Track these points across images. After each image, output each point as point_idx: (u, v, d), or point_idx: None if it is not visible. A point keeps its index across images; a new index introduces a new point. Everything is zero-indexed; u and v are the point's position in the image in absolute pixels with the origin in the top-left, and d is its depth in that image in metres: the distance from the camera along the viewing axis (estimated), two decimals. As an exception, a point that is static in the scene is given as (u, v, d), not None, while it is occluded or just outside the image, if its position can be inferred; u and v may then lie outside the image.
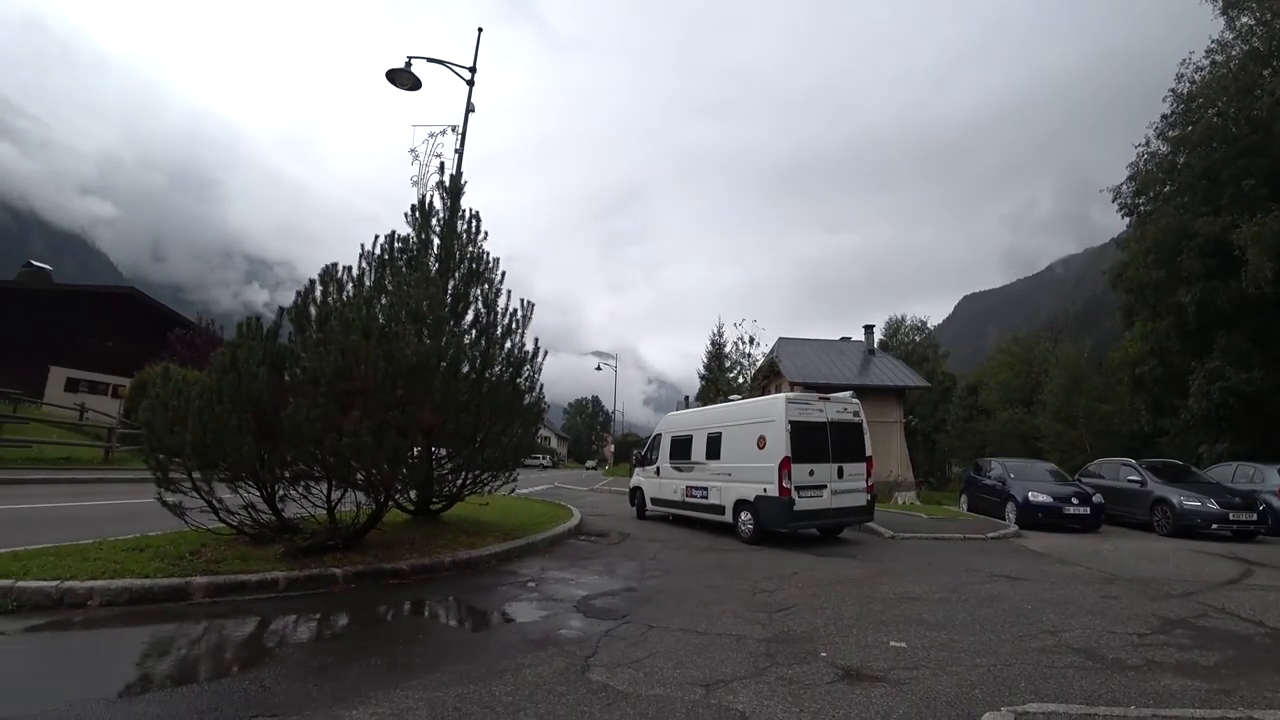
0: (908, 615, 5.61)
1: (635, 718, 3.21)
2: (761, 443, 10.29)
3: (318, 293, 7.44)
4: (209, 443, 6.30)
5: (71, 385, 31.67)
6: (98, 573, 5.43)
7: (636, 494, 14.28)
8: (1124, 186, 26.55)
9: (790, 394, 10.78)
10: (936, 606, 5.99)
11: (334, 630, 4.86)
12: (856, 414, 10.96)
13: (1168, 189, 24.98)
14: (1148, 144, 25.57)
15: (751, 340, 28.01)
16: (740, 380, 28.21)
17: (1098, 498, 13.51)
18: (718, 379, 29.60)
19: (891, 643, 4.73)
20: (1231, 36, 23.37)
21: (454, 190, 9.81)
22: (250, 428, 6.32)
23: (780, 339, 35.39)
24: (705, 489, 11.65)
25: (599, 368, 47.02)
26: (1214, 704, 3.63)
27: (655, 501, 13.50)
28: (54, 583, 5.12)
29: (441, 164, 10.53)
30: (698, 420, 12.83)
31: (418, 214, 9.38)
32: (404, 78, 11.36)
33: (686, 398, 43.56)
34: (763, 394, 28.08)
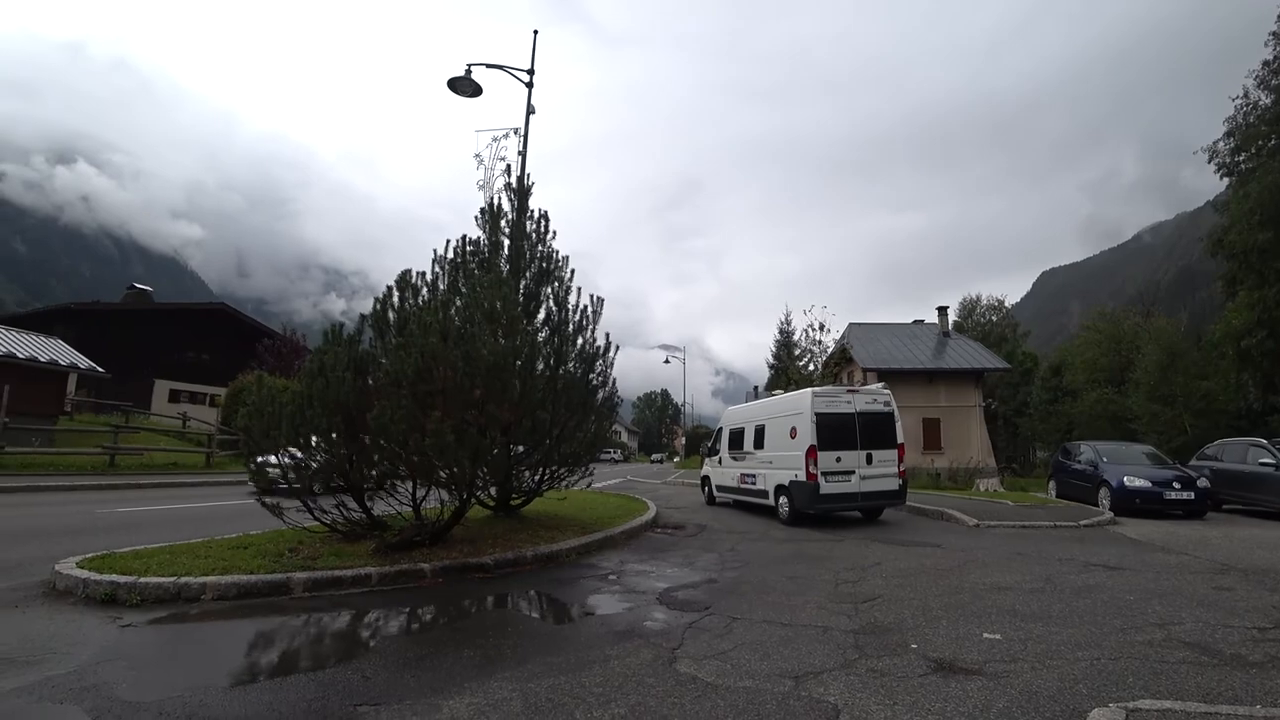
0: (999, 606, 5.40)
1: (726, 709, 3.21)
2: (793, 433, 11.36)
3: (395, 298, 7.74)
4: (303, 445, 6.67)
5: (174, 396, 34.04)
6: (209, 569, 5.82)
7: (706, 482, 15.70)
8: (1221, 144, 24.72)
9: (817, 388, 11.73)
10: (1030, 597, 5.74)
11: (425, 623, 5.05)
12: (887, 404, 11.64)
13: (1273, 143, 23.07)
14: (1246, 95, 23.72)
15: (822, 327, 27.53)
16: (811, 368, 27.72)
17: (1203, 481, 12.63)
18: (788, 367, 29.21)
19: (985, 635, 4.56)
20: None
21: (521, 192, 10.00)
22: (339, 428, 6.65)
23: (851, 324, 34.59)
24: (754, 475, 12.80)
25: (667, 360, 47.10)
26: (1353, 701, 3.34)
27: (720, 489, 14.74)
28: (171, 579, 5.52)
29: (508, 166, 10.75)
30: (748, 414, 14.00)
31: (487, 217, 9.61)
32: (465, 85, 11.65)
33: (756, 388, 43.11)
34: (835, 381, 27.60)
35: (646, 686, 3.51)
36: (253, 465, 6.85)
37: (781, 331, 35.87)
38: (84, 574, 5.59)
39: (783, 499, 11.50)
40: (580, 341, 9.04)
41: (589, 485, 10.35)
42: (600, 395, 9.18)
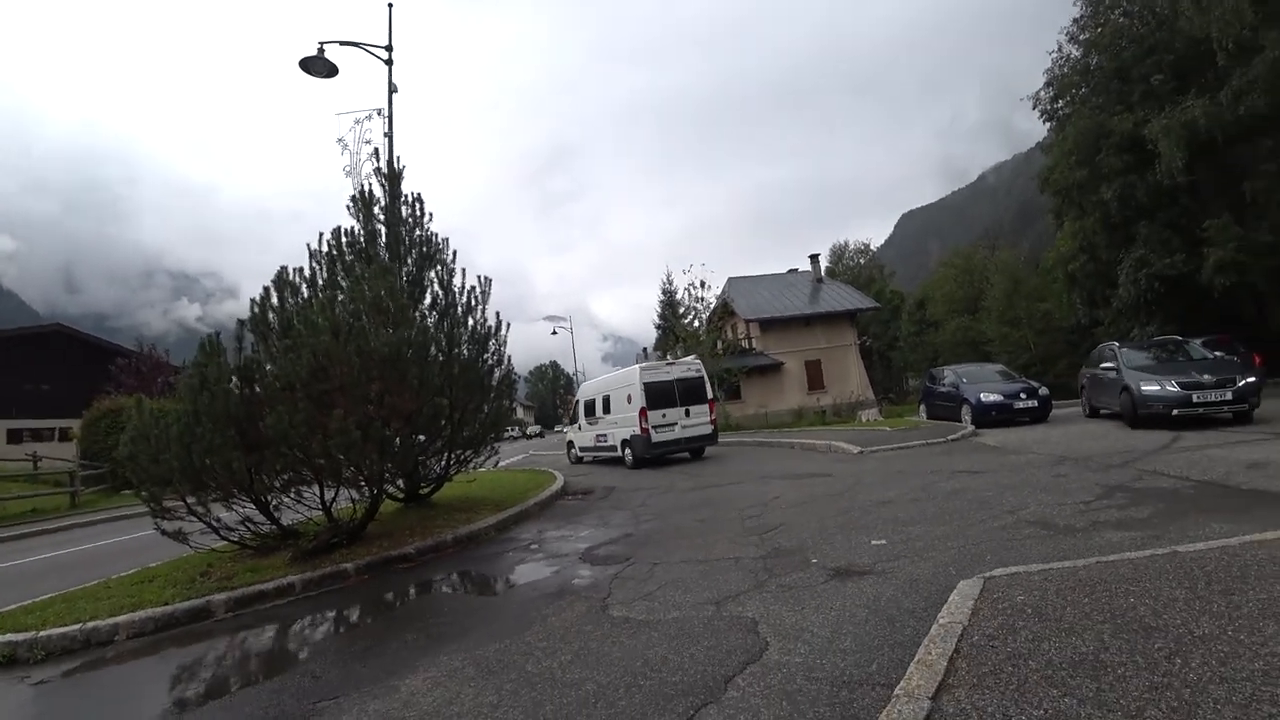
0: (884, 517, 6.14)
1: (660, 638, 3.59)
2: (629, 399, 14.36)
3: (274, 299, 7.47)
4: (197, 465, 6.38)
5: (14, 436, 30.46)
6: (116, 609, 5.54)
7: (570, 445, 18.73)
8: (1042, 93, 27.45)
9: (644, 364, 15.35)
10: (909, 506, 6.54)
11: (361, 618, 5.12)
12: (698, 371, 15.06)
13: (1083, 91, 25.94)
14: (1060, 49, 26.45)
15: (703, 284, 28.52)
16: (696, 324, 28.70)
17: (1044, 390, 14.44)
18: (674, 326, 30.07)
19: (873, 542, 5.23)
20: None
21: (392, 176, 9.73)
22: (235, 443, 6.40)
23: (730, 279, 35.93)
24: (606, 435, 15.81)
25: (554, 332, 46.81)
26: (1146, 546, 4.19)
27: (581, 449, 17.73)
28: (77, 626, 5.22)
29: (375, 150, 10.39)
30: (596, 388, 17.12)
31: (359, 204, 9.30)
32: (319, 65, 11.04)
33: (645, 349, 43.92)
34: (719, 335, 28.80)
35: (586, 634, 3.84)
36: (145, 494, 6.48)
37: (664, 292, 36.70)
38: (-31, 639, 5.18)
39: (627, 450, 14.49)
40: (471, 323, 9.03)
41: (496, 465, 10.45)
42: (497, 374, 9.27)
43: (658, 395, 14.04)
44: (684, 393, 14.37)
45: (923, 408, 18.18)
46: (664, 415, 14.01)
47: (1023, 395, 14.16)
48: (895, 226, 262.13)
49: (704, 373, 15.05)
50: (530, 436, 59.22)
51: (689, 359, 15.76)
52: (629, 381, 14.60)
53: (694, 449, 14.94)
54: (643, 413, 13.81)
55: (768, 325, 32.99)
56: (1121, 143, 22.94)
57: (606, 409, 15.84)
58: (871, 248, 71.26)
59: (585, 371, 50.78)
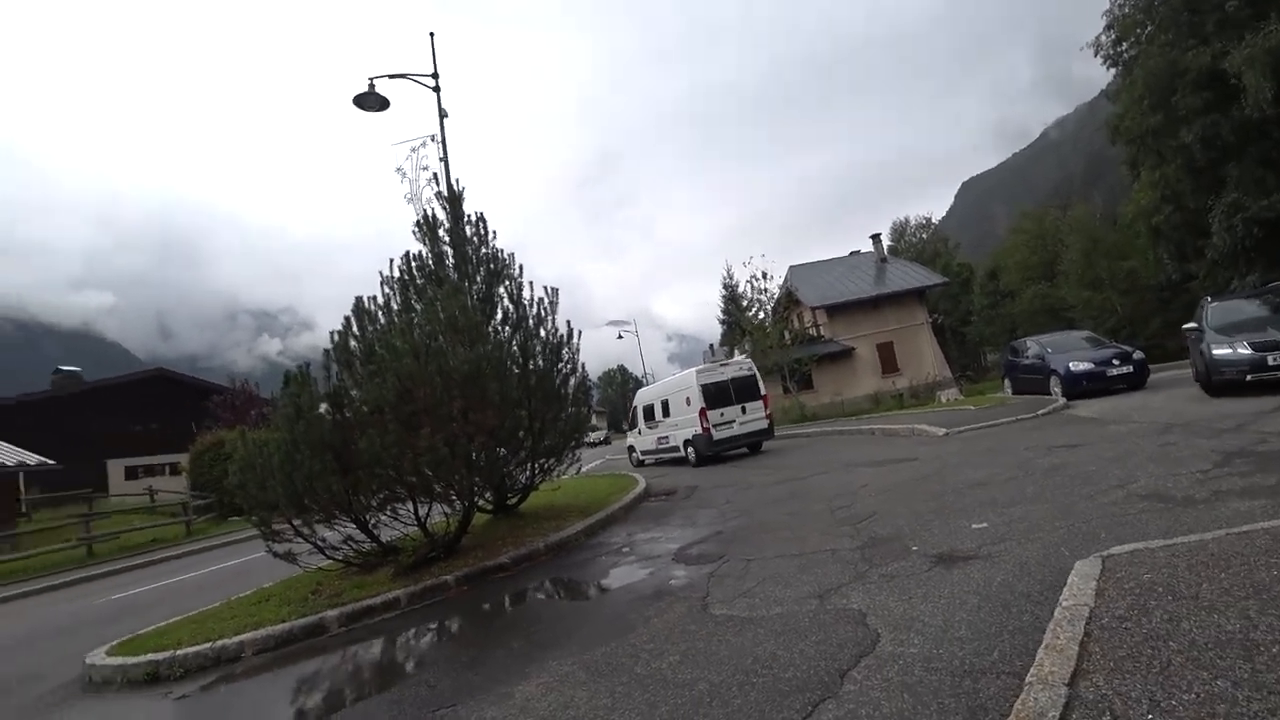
0: (981, 499, 5.91)
1: (767, 634, 3.57)
2: (688, 401, 15.29)
3: (355, 328, 7.80)
4: (299, 489, 6.73)
5: (131, 473, 32.85)
6: (240, 628, 5.91)
7: (631, 450, 19.75)
8: (1103, 37, 25.92)
9: (699, 367, 16.08)
10: (1006, 486, 6.27)
11: (466, 628, 5.29)
12: (750, 369, 15.78)
13: (1149, 29, 24.33)
14: (1120, -13, 24.92)
15: (765, 275, 28.15)
16: (761, 316, 28.35)
17: (1138, 355, 13.60)
18: (739, 319, 29.80)
19: (973, 525, 5.04)
20: None
21: (453, 199, 10.01)
22: (332, 467, 6.72)
23: (792, 267, 35.36)
24: (667, 436, 16.83)
25: (620, 336, 46.98)
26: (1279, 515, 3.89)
27: (643, 452, 18.63)
28: (208, 644, 5.60)
29: (434, 175, 10.71)
30: (653, 394, 18.19)
31: (424, 229, 9.60)
32: (371, 100, 11.47)
33: (711, 346, 43.72)
34: (786, 325, 28.55)
35: (690, 634, 3.85)
36: (255, 519, 6.89)
37: (726, 287, 36.44)
38: (118, 660, 5.63)
39: (690, 449, 15.37)
40: (543, 333, 9.19)
41: (579, 471, 10.61)
42: (572, 382, 9.40)
43: (715, 395, 14.87)
44: (739, 391, 15.14)
45: (1006, 383, 17.43)
46: (722, 414, 14.81)
47: (1115, 361, 13.36)
48: (956, 197, 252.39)
49: (756, 371, 15.91)
50: (595, 444, 58.19)
51: (740, 358, 17.03)
52: (686, 385, 15.52)
53: (752, 444, 15.53)
54: (702, 413, 14.66)
55: (835, 311, 32.29)
56: (1199, 79, 21.35)
57: (665, 412, 16.85)
58: (933, 221, 68.84)
59: (654, 373, 50.74)
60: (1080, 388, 13.20)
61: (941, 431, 11.57)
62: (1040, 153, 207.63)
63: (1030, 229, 50.73)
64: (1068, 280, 41.38)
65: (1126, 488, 5.36)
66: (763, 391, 15.66)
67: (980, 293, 53.26)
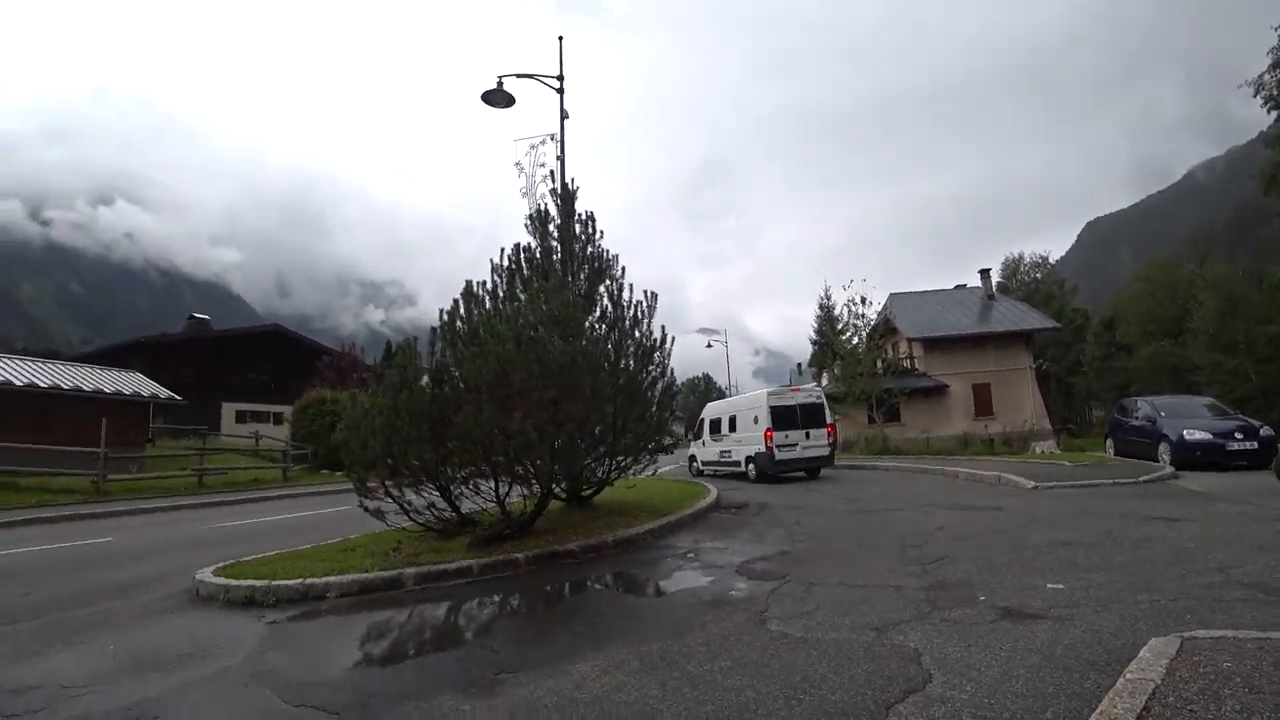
0: (1061, 559, 5.71)
1: (819, 657, 3.65)
2: (756, 420, 15.97)
3: (462, 310, 8.31)
4: (396, 453, 7.29)
5: (241, 417, 35.79)
6: (328, 571, 6.46)
7: (692, 459, 20.24)
8: (1266, 76, 23.82)
9: (771, 389, 17.01)
10: (1091, 550, 6.02)
11: (531, 605, 5.61)
12: (819, 397, 16.70)
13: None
14: (1291, 24, 22.80)
15: (863, 300, 27.58)
16: (855, 341, 27.76)
17: (1266, 431, 12.49)
18: (832, 342, 29.30)
19: (1048, 585, 4.90)
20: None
21: (565, 196, 10.44)
22: (427, 437, 7.24)
23: (892, 295, 34.31)
24: (730, 450, 17.45)
25: (709, 345, 47.03)
26: (1404, 622, 3.60)
27: (704, 463, 19.16)
28: (299, 581, 6.17)
29: (550, 172, 11.20)
30: (721, 409, 18.98)
31: (536, 223, 10.08)
32: (498, 97, 12.11)
33: (799, 365, 43.13)
34: (880, 353, 27.97)
35: (745, 643, 3.98)
36: (353, 475, 7.50)
37: (822, 307, 35.87)
38: (222, 580, 6.30)
39: (751, 465, 16.06)
40: (638, 335, 9.47)
41: (654, 473, 10.84)
42: (660, 386, 9.62)
43: (782, 417, 15.56)
44: (805, 416, 15.84)
45: (1110, 442, 16.38)
46: (787, 436, 15.49)
47: (1238, 435, 12.34)
48: (1078, 237, 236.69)
49: (824, 399, 16.80)
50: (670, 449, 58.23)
51: (810, 386, 18.80)
52: (757, 404, 16.27)
53: (810, 468, 16.18)
54: (768, 433, 15.38)
55: (932, 345, 31.14)
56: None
57: (732, 428, 17.52)
58: (1050, 261, 64.88)
59: (738, 385, 50.42)
60: (1192, 458, 12.27)
61: (1031, 484, 11.07)
62: (1181, 196, 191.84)
63: (1159, 279, 47.03)
64: (1196, 340, 38.05)
65: (1226, 572, 5.05)
66: (828, 420, 16.38)
67: (1094, 342, 49.81)
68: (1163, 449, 13.01)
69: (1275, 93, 23.61)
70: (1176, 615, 4.07)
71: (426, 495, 7.69)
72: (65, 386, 20.20)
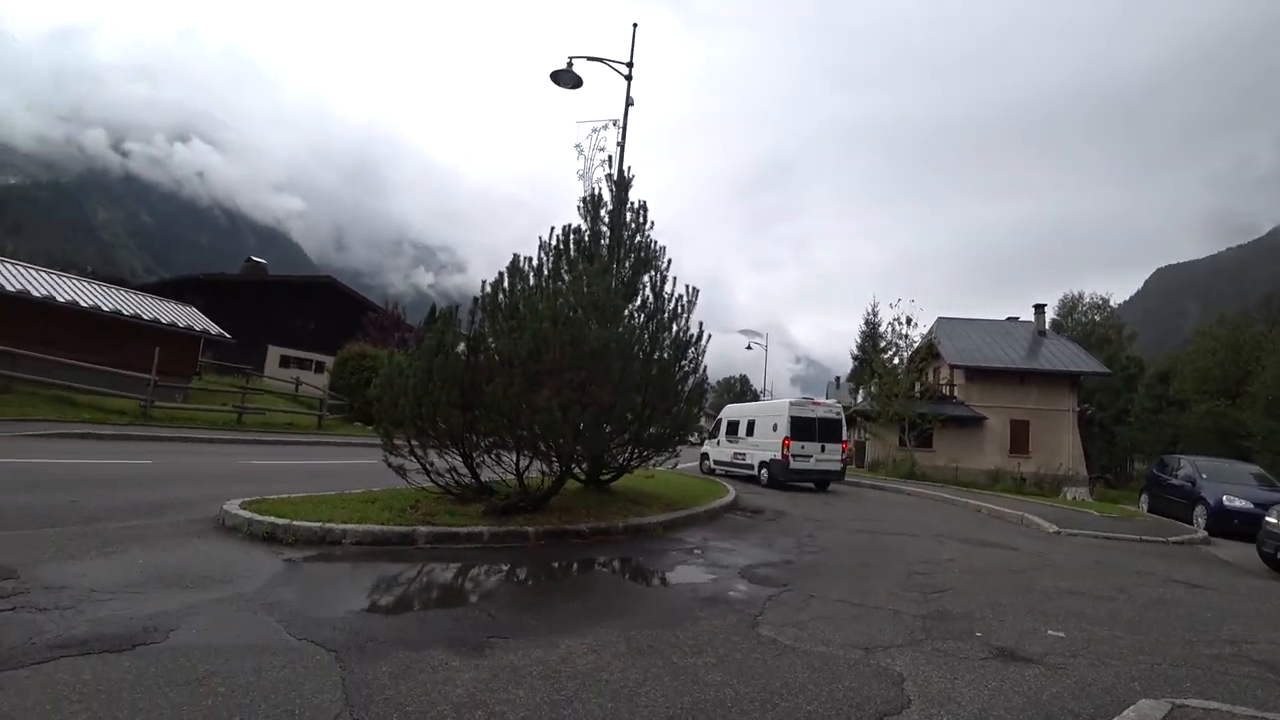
0: (1068, 608, 5.63)
1: (803, 667, 3.71)
2: (775, 428, 16.49)
3: (505, 283, 8.48)
4: (425, 415, 7.51)
5: (285, 361, 36.95)
6: (346, 518, 6.69)
7: (704, 457, 20.41)
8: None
9: (793, 399, 17.63)
10: (1100, 603, 5.92)
11: (534, 577, 5.76)
12: (838, 413, 17.24)
13: None
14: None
15: (909, 321, 27.23)
16: (896, 361, 27.40)
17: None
18: (872, 359, 28.97)
19: (1049, 631, 4.85)
20: None
21: (621, 184, 10.53)
22: (457, 402, 7.44)
23: (939, 319, 33.69)
24: (745, 454, 17.87)
25: (749, 346, 46.68)
26: None
27: (716, 462, 19.44)
28: (318, 524, 6.40)
29: (609, 157, 11.25)
30: (741, 412, 19.55)
31: (588, 206, 10.18)
32: (566, 77, 12.22)
33: (837, 378, 42.73)
34: (919, 376, 27.62)
35: (732, 643, 4.05)
36: (382, 430, 7.77)
37: (867, 323, 35.42)
38: (247, 514, 6.57)
39: (764, 470, 16.55)
40: (675, 329, 9.54)
41: (674, 466, 10.92)
42: (691, 381, 9.69)
43: (801, 428, 16.10)
44: (823, 430, 16.44)
45: (1144, 498, 15.91)
46: (803, 447, 16.03)
47: (1281, 507, 11.86)
48: (1145, 283, 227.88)
49: (843, 416, 17.41)
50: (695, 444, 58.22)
51: (831, 401, 18.87)
52: (778, 412, 16.81)
53: (821, 481, 16.86)
54: (786, 441, 15.90)
55: (974, 374, 30.49)
56: None
57: (750, 431, 17.98)
58: (1111, 304, 62.65)
59: (773, 390, 49.98)
60: (1229, 526, 11.86)
61: (1053, 529, 10.86)
62: (1262, 253, 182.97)
63: (1223, 337, 45.07)
64: (1254, 404, 36.45)
65: (1239, 645, 4.94)
66: (844, 437, 17.08)
67: (1145, 393, 48.12)
68: (1199, 512, 12.60)
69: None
70: (1175, 681, 4.00)
71: (449, 459, 7.90)
72: (125, 313, 21.21)
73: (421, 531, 6.56)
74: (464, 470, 7.99)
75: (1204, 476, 13.35)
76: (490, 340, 7.92)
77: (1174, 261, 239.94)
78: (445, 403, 7.37)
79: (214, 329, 24.56)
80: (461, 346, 7.79)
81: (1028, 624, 5.03)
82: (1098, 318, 58.22)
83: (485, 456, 7.92)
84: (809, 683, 3.48)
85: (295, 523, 6.39)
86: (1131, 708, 3.23)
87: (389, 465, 7.63)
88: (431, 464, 7.79)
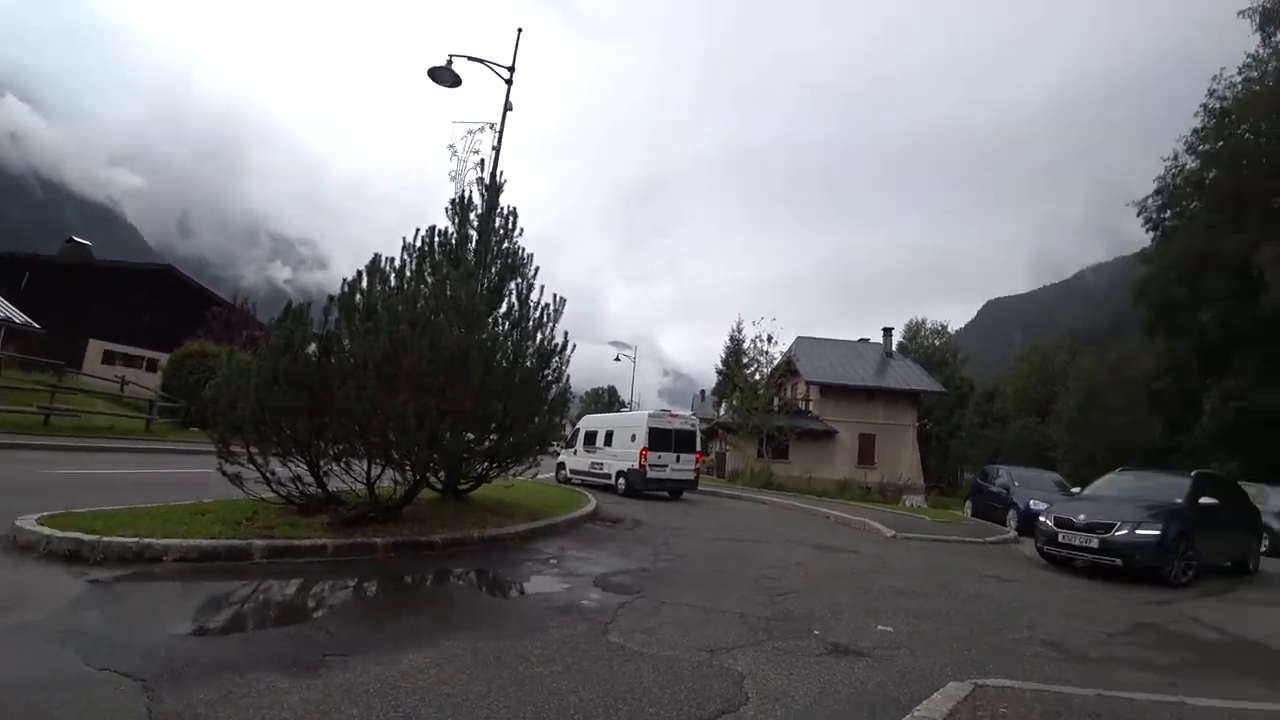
0: (899, 606, 6.12)
1: (648, 671, 3.76)
2: (633, 438, 16.89)
3: (364, 283, 8.03)
4: (266, 420, 6.93)
5: (109, 358, 32.80)
6: (170, 533, 6.01)
7: (561, 467, 20.21)
8: (1150, 200, 26.68)
9: (651, 411, 18.49)
10: (926, 600, 6.48)
11: (379, 591, 5.47)
12: (694, 425, 18.08)
13: (1195, 205, 25.09)
14: (1176, 158, 25.68)
15: (770, 339, 28.69)
16: (757, 377, 28.75)
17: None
18: (734, 374, 30.23)
19: (879, 626, 5.25)
20: (1267, 54, 23.35)
21: (493, 188, 10.30)
22: (303, 406, 6.92)
23: (799, 338, 35.75)
24: (602, 463, 18.23)
25: (618, 358, 47.17)
26: (1157, 692, 4.09)
27: (573, 471, 19.53)
28: (135, 539, 5.70)
29: (481, 160, 10.98)
30: (600, 422, 19.77)
31: (457, 209, 9.86)
32: (445, 75, 11.77)
33: (702, 391, 44.17)
34: (778, 391, 28.94)
35: (581, 651, 4.04)
36: (215, 435, 7.08)
37: (732, 339, 36.88)
38: (45, 530, 5.71)
39: (621, 480, 16.95)
40: (540, 338, 9.44)
41: (534, 476, 10.78)
42: (554, 391, 9.62)
43: (658, 439, 16.70)
44: (679, 441, 17.14)
45: (969, 504, 17.68)
46: (659, 457, 16.63)
47: (1076, 511, 13.61)
48: (979, 312, 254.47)
49: (698, 428, 18.39)
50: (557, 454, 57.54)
51: (688, 414, 19.46)
52: (636, 423, 17.39)
53: (675, 489, 17.46)
54: (644, 452, 16.40)
55: (828, 390, 32.63)
56: (1228, 264, 22.00)
57: (608, 442, 18.27)
58: (949, 330, 69.43)
59: (640, 402, 50.68)
60: (1033, 526, 13.40)
61: (890, 533, 11.78)
62: (1070, 292, 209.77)
63: (1036, 363, 51.54)
64: (1059, 421, 41.82)
65: (1033, 630, 5.59)
66: (698, 448, 17.99)
67: (974, 411, 53.69)
68: (1011, 515, 14.18)
69: (1155, 217, 26.45)
70: (980, 664, 4.45)
71: (293, 468, 7.35)
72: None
73: (258, 545, 6.02)
74: (309, 479, 7.45)
75: (1016, 484, 15.11)
76: (345, 342, 7.46)
77: (1003, 295, 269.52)
78: (291, 407, 6.84)
79: (18, 317, 21.46)
80: (313, 347, 7.28)
81: (861, 621, 5.41)
82: (937, 342, 64.27)
83: (334, 465, 7.42)
84: (653, 686, 3.53)
85: (106, 539, 5.65)
86: (940, 691, 3.54)
87: (224, 474, 6.95)
88: (273, 472, 7.19)
